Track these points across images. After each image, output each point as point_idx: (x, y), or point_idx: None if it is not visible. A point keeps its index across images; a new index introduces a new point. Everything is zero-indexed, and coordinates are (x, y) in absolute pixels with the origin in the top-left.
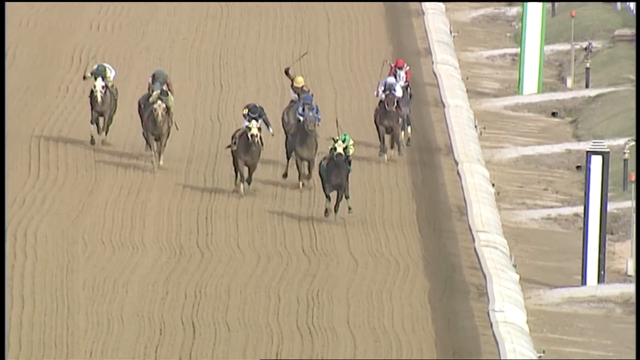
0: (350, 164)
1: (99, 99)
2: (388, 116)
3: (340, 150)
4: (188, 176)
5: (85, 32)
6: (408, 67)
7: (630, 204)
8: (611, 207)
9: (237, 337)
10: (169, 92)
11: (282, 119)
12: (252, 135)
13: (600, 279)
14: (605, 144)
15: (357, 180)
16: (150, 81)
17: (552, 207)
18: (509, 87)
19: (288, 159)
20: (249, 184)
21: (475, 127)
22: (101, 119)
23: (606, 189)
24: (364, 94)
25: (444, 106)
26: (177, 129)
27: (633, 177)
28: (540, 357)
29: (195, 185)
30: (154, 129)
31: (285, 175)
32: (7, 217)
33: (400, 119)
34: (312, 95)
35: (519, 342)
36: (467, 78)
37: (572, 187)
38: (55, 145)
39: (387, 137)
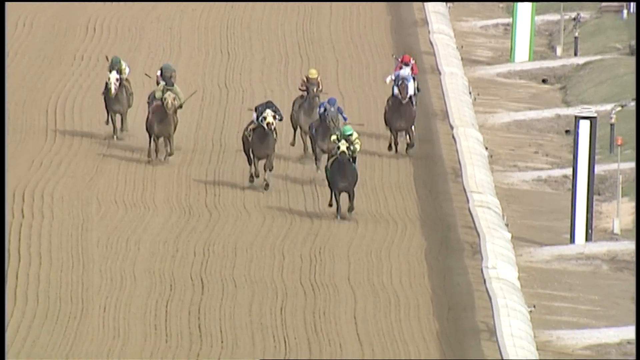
0: (355, 161)
1: (113, 92)
2: (401, 115)
3: (343, 148)
4: (197, 142)
5: (99, 5)
6: (414, 61)
7: (616, 166)
8: (598, 169)
9: (244, 293)
10: (175, 85)
11: (291, 115)
12: (268, 124)
13: (588, 238)
14: (593, 109)
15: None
16: (159, 74)
17: (542, 169)
18: (501, 55)
19: (314, 152)
20: (267, 172)
21: (470, 93)
22: (117, 117)
23: (594, 152)
24: (364, 62)
25: (439, 73)
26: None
27: (620, 141)
28: (530, 311)
29: (204, 150)
30: (159, 123)
31: (316, 167)
32: (25, 180)
33: (413, 120)
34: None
35: (511, 297)
36: (462, 47)
37: (561, 150)
38: (70, 112)
39: (399, 135)
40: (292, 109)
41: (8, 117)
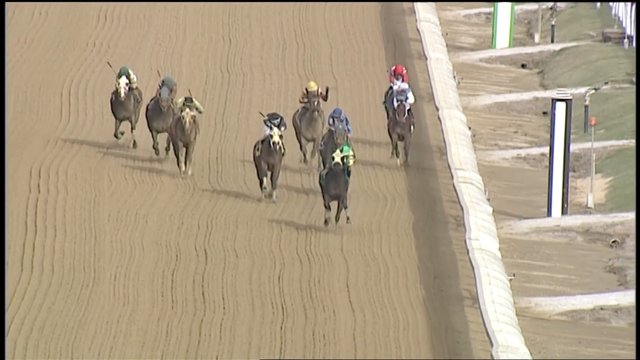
0: (349, 175)
1: (122, 95)
2: (400, 125)
3: (338, 159)
4: (200, 122)
5: None
6: (405, 71)
7: (590, 144)
8: (573, 147)
9: (244, 262)
10: (193, 99)
11: (293, 123)
12: (274, 143)
13: (564, 211)
14: (569, 92)
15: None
16: (159, 86)
17: (521, 147)
18: (483, 42)
19: (323, 164)
20: (274, 187)
21: (454, 77)
22: (123, 124)
23: (569, 132)
24: (355, 48)
25: (426, 59)
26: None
27: (593, 122)
28: (510, 279)
29: (207, 130)
30: (182, 136)
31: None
32: (41, 158)
33: (412, 128)
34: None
35: (492, 266)
36: (447, 34)
37: (539, 130)
38: (83, 94)
39: (400, 144)
40: (293, 122)
41: (25, 100)
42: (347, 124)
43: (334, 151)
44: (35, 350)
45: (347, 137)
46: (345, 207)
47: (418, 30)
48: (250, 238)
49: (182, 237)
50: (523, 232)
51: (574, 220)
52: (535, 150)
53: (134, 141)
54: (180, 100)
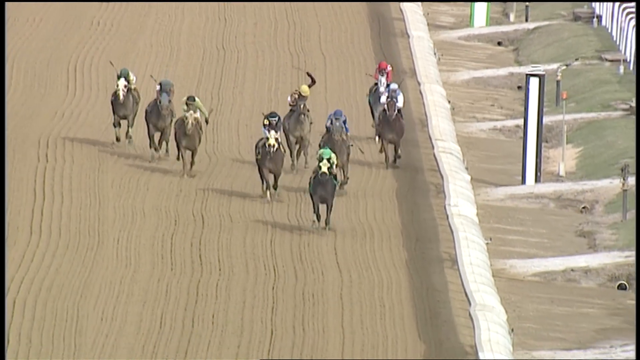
0: (336, 179)
1: (121, 97)
2: (391, 128)
3: (324, 169)
4: (198, 93)
5: None
6: (390, 68)
7: (562, 117)
8: (546, 120)
9: (238, 227)
10: (196, 98)
11: (283, 126)
12: (269, 145)
13: (537, 179)
14: (542, 68)
15: (337, 98)
16: (158, 89)
17: (497, 120)
18: (462, 21)
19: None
20: (275, 189)
21: (435, 54)
22: (123, 122)
23: (542, 105)
24: (342, 27)
25: (408, 37)
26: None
27: (564, 95)
28: (487, 243)
29: (204, 102)
30: (184, 139)
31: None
32: (49, 129)
33: (403, 133)
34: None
35: (470, 231)
36: (428, 14)
37: (514, 104)
38: (89, 70)
39: (390, 147)
40: (282, 124)
41: (34, 75)
42: (344, 124)
43: (332, 149)
44: (44, 309)
45: (344, 135)
46: (330, 212)
47: (401, 10)
48: (245, 204)
49: (181, 203)
50: (499, 198)
51: (547, 188)
52: (511, 122)
53: (130, 136)
54: (183, 99)
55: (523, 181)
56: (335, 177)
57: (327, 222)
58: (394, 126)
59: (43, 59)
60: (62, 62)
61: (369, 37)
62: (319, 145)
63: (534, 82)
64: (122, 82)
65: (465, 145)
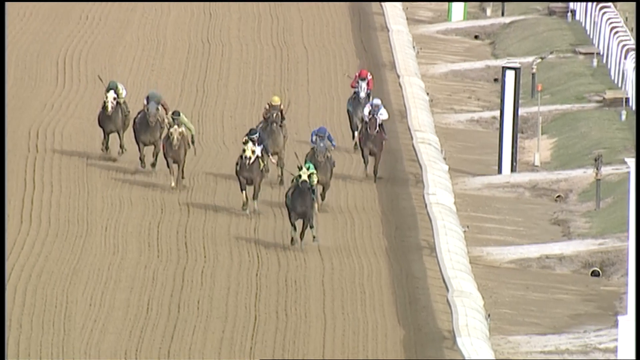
0: (314, 192)
1: (110, 109)
2: (371, 140)
3: (305, 177)
4: (183, 88)
5: None
6: (370, 77)
7: (537, 108)
8: (522, 111)
9: (223, 216)
10: (180, 113)
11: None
12: (245, 157)
13: (513, 169)
14: (517, 61)
15: (319, 90)
16: (145, 102)
17: (474, 111)
18: (440, 16)
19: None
20: (255, 200)
21: (413, 47)
22: (111, 136)
23: (518, 97)
24: (324, 20)
25: (388, 31)
26: (195, 154)
27: (539, 88)
28: (465, 231)
29: (189, 95)
30: (170, 151)
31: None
32: (38, 121)
33: (383, 144)
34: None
35: (448, 219)
36: (407, 8)
37: (491, 96)
38: (77, 63)
39: (371, 158)
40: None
41: (24, 68)
42: (331, 141)
43: (316, 166)
44: (34, 295)
45: (327, 154)
46: (311, 227)
47: (381, 5)
48: (229, 194)
49: (167, 192)
50: (476, 188)
51: (522, 177)
52: (487, 114)
53: (123, 149)
54: (168, 114)
55: (499, 171)
56: (314, 191)
57: (301, 236)
58: (375, 140)
59: (33, 53)
60: (52, 55)
61: (350, 30)
62: (305, 161)
63: (509, 75)
64: (111, 94)
65: (444, 136)
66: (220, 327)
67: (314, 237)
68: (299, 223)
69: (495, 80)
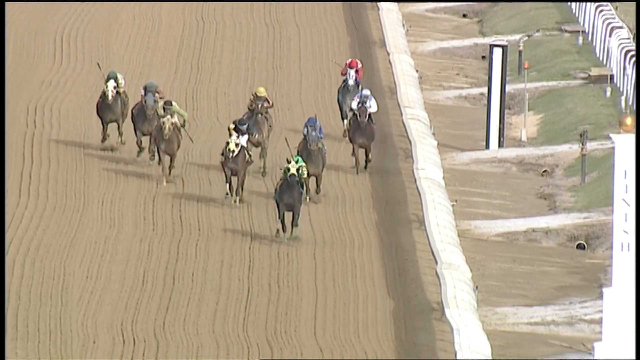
0: (303, 187)
1: (110, 98)
2: (362, 133)
3: (293, 171)
4: (179, 63)
5: None
6: (360, 65)
7: (523, 85)
8: (509, 88)
9: (217, 189)
10: (173, 102)
11: None
12: (229, 150)
13: (500, 144)
14: (504, 39)
15: (310, 68)
16: (143, 93)
17: (462, 88)
18: None
19: None
20: (239, 193)
21: (403, 25)
22: (109, 126)
23: (505, 74)
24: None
25: (378, 9)
26: (192, 141)
27: (526, 65)
28: (453, 205)
29: (184, 71)
30: (161, 141)
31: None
32: (37, 97)
33: (374, 137)
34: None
35: (437, 193)
36: None
37: (479, 73)
38: (74, 40)
39: (360, 151)
40: None
41: (23, 46)
42: (320, 132)
43: (309, 159)
44: (32, 267)
45: (319, 144)
46: (296, 225)
47: None
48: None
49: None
50: (464, 162)
51: (509, 153)
52: (475, 90)
53: (123, 141)
54: (160, 104)
55: (487, 146)
56: (302, 184)
57: (292, 233)
58: (365, 131)
59: (31, 31)
60: (49, 33)
61: (341, 9)
62: (297, 152)
63: (497, 52)
64: (111, 83)
65: (432, 112)
66: (214, 299)
67: (295, 237)
68: (287, 216)
69: (483, 57)
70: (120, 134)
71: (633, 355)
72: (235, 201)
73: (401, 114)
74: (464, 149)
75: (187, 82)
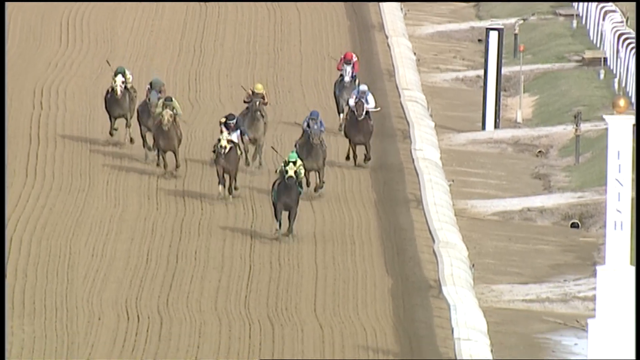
0: (301, 186)
1: (119, 92)
2: (359, 129)
3: (291, 173)
4: (182, 45)
5: None
6: (356, 59)
7: (519, 68)
8: (505, 70)
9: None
10: (173, 99)
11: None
12: (221, 147)
13: (496, 125)
14: (501, 23)
15: (311, 50)
16: (148, 89)
17: (459, 70)
18: None
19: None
20: (233, 190)
21: (401, 9)
22: (118, 121)
23: (501, 57)
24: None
25: None
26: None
27: (522, 48)
28: (450, 185)
29: (187, 54)
30: (162, 138)
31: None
32: (43, 79)
33: (371, 134)
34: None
35: (434, 173)
36: None
37: (475, 55)
38: (80, 23)
39: (358, 148)
40: (236, 121)
41: (29, 29)
42: (321, 125)
43: (310, 154)
44: (39, 246)
45: (321, 138)
46: (293, 219)
47: None
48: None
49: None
50: (461, 143)
51: (505, 134)
52: (472, 73)
53: (131, 138)
54: (161, 100)
55: (483, 127)
56: (300, 183)
57: (290, 230)
58: (362, 128)
59: (37, 14)
60: (55, 17)
61: None
62: (295, 146)
63: (493, 36)
64: (119, 78)
65: (430, 94)
66: (217, 276)
67: (292, 234)
68: (283, 216)
69: (480, 40)
70: (128, 125)
71: (626, 332)
72: (230, 197)
73: (399, 96)
74: (461, 130)
75: (190, 64)
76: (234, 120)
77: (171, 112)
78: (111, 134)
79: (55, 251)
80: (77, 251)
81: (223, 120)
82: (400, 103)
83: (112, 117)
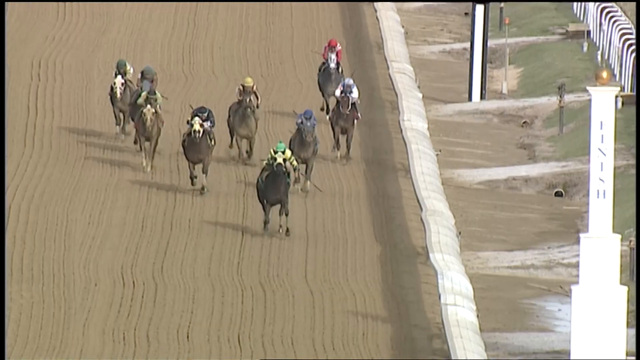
0: (289, 176)
1: (119, 95)
2: (343, 118)
3: (280, 160)
4: (176, 19)
5: None
6: (340, 47)
7: (504, 40)
8: (490, 43)
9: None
10: (156, 92)
11: (228, 121)
12: (194, 131)
13: (482, 97)
14: None
15: (301, 23)
16: (140, 77)
17: (446, 43)
18: None
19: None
20: (203, 181)
21: None
22: (121, 115)
23: (487, 30)
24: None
25: None
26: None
27: (507, 21)
28: (437, 154)
29: (181, 25)
30: (143, 131)
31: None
32: (41, 51)
33: (354, 122)
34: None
35: (422, 143)
36: None
37: (462, 28)
38: None
39: (342, 137)
40: (229, 115)
41: (27, 3)
42: (314, 121)
43: (302, 149)
44: (36, 214)
45: (314, 134)
46: (286, 214)
47: None
48: (218, 119)
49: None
50: (448, 114)
51: (491, 105)
52: (458, 45)
53: (128, 131)
54: (144, 94)
55: (469, 98)
56: (288, 174)
57: (285, 229)
58: (347, 118)
59: None
60: None
61: None
62: (290, 144)
63: (479, 9)
64: (119, 80)
65: (418, 66)
66: (210, 243)
67: (287, 229)
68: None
69: (466, 14)
70: (127, 122)
71: (608, 298)
72: (202, 189)
73: (388, 68)
74: (448, 101)
75: (184, 37)
76: (206, 113)
77: (153, 110)
78: (117, 125)
79: (52, 219)
80: (74, 219)
81: (193, 112)
82: (389, 75)
83: (116, 113)
